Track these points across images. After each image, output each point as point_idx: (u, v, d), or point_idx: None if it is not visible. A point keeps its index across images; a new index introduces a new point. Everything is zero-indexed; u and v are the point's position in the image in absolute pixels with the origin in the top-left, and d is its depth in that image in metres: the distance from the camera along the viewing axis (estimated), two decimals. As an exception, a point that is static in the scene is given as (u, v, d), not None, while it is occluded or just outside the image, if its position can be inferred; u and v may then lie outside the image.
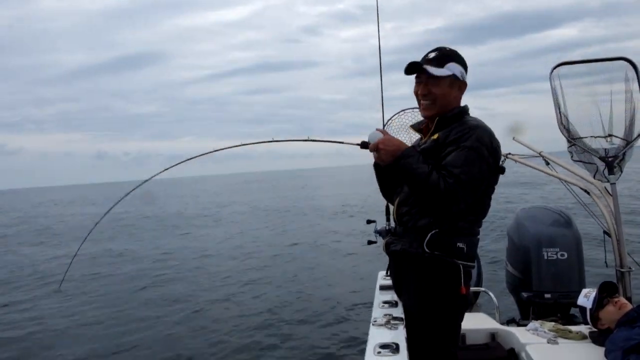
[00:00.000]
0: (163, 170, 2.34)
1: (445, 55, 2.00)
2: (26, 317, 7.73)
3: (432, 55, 2.01)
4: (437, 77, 1.98)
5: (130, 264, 12.08)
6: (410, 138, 3.01)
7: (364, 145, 2.08)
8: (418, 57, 2.04)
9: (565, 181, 3.80)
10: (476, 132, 1.88)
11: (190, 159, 2.35)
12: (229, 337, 6.15)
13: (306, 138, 2.24)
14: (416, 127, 2.22)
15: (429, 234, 1.92)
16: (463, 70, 2.03)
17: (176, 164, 2.34)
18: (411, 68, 2.00)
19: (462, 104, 2.08)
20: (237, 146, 2.27)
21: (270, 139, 2.25)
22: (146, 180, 2.36)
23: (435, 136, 2.00)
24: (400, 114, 2.98)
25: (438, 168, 1.86)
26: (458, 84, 2.03)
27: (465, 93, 2.09)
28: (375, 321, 1.95)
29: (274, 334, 6.21)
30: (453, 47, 2.05)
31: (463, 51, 2.07)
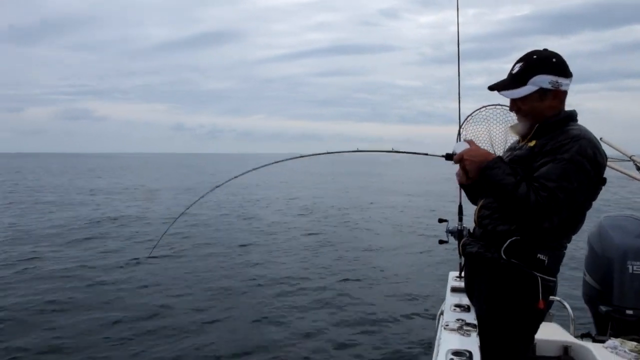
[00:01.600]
0: (252, 170, 2.44)
1: (530, 67, 1.89)
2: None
3: (516, 68, 1.92)
4: (522, 97, 1.90)
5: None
6: (490, 135, 2.89)
7: (448, 157, 2.03)
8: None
9: None
10: (578, 143, 1.76)
11: (278, 162, 2.41)
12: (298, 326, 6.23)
13: (390, 149, 2.24)
14: (517, 128, 2.08)
15: (509, 240, 1.84)
16: (557, 78, 1.88)
17: (266, 165, 2.43)
18: (492, 90, 1.96)
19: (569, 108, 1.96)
20: (321, 154, 2.31)
21: (356, 149, 2.29)
22: (245, 173, 2.44)
23: (532, 143, 1.90)
24: (481, 110, 2.87)
25: (529, 179, 1.77)
26: (552, 93, 1.89)
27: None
28: (447, 325, 1.91)
29: (337, 326, 6.21)
30: (544, 42, 1.92)
31: (550, 42, 1.94)
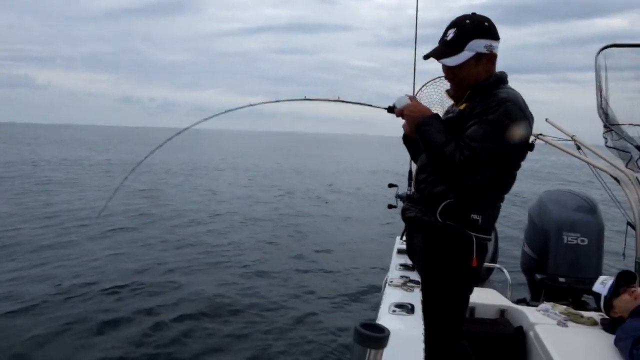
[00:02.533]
0: (202, 120, 2.37)
1: (465, 33, 1.88)
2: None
3: (450, 34, 1.90)
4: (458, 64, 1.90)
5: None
6: (443, 106, 2.96)
7: (390, 109, 2.07)
8: None
9: (595, 167, 3.72)
10: (504, 105, 1.80)
11: (228, 111, 2.37)
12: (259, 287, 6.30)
13: (337, 98, 2.26)
14: (450, 92, 2.13)
15: (443, 204, 1.90)
16: (490, 42, 1.89)
17: (214, 116, 2.38)
18: (427, 58, 1.95)
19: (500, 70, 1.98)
20: (271, 102, 2.31)
21: (303, 97, 2.28)
22: (185, 129, 2.37)
23: (462, 106, 1.95)
24: (430, 82, 2.92)
25: (457, 139, 1.82)
26: (486, 57, 1.91)
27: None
28: (391, 282, 1.97)
29: (288, 286, 6.37)
30: (499, 29, 1.94)
31: (503, 32, 1.96)
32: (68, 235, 8.74)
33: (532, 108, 1.91)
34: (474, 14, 1.93)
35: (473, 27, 1.89)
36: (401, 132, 2.16)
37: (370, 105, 2.22)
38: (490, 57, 1.92)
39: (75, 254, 7.50)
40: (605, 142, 3.48)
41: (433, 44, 1.98)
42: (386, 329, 0.87)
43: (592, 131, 3.58)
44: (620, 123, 3.40)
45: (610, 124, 3.40)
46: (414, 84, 2.74)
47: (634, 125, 3.35)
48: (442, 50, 1.92)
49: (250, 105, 2.33)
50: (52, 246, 7.95)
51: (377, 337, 0.88)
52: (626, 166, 3.40)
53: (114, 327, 4.92)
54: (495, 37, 1.91)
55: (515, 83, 1.99)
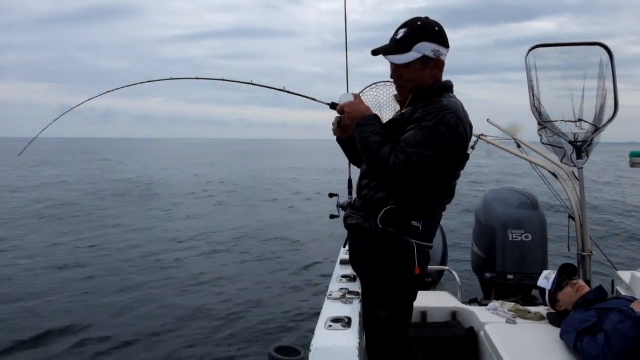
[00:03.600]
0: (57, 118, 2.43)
1: (414, 34, 1.87)
2: None
3: (400, 33, 1.89)
4: (405, 64, 1.89)
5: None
6: (389, 109, 2.94)
7: (333, 105, 2.05)
8: None
9: (535, 164, 3.82)
10: (442, 113, 1.79)
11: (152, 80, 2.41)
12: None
13: (282, 88, 2.25)
14: (397, 97, 2.11)
15: (383, 210, 1.87)
16: (438, 47, 1.89)
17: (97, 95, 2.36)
18: (376, 54, 1.92)
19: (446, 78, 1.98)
20: (217, 79, 2.33)
21: (249, 81, 2.27)
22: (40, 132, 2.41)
23: (404, 110, 1.95)
24: (372, 86, 2.91)
25: (394, 142, 1.80)
26: (433, 62, 1.90)
27: (443, 77, 1.98)
28: (330, 295, 1.92)
29: (230, 303, 6.18)
30: None
31: None
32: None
33: (474, 107, 1.91)
34: (426, 17, 1.94)
35: (423, 29, 1.89)
36: None
37: (314, 99, 2.19)
38: (436, 63, 1.91)
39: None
40: (541, 139, 3.58)
41: (375, 45, 1.96)
42: (301, 350, 0.81)
43: (531, 127, 3.67)
44: (552, 120, 3.50)
45: (543, 121, 3.50)
46: (347, 81, 2.74)
47: (565, 121, 3.46)
48: (390, 48, 1.90)
49: (197, 78, 2.37)
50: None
51: (292, 360, 0.82)
52: (561, 161, 3.51)
53: None
54: (444, 43, 1.91)
55: (457, 83, 2.01)
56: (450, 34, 1.96)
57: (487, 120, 4.36)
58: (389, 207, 1.86)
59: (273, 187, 20.91)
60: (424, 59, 1.89)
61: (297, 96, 2.24)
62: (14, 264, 8.02)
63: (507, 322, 2.65)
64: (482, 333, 2.61)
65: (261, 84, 2.33)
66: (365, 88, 2.89)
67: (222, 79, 2.36)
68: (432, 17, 1.94)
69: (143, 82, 2.41)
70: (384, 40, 1.96)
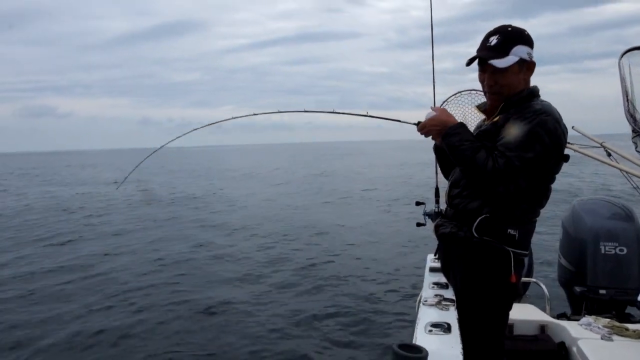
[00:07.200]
0: (177, 137, 2.63)
1: (509, 39, 1.90)
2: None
3: (494, 41, 1.91)
4: (504, 68, 1.90)
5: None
6: (474, 119, 2.93)
7: (419, 124, 2.05)
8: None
9: (628, 173, 3.61)
10: (540, 117, 1.80)
11: (213, 123, 2.64)
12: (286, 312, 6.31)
13: (365, 113, 2.27)
14: (481, 107, 2.13)
15: (479, 219, 1.88)
16: (530, 50, 1.93)
17: (194, 130, 2.57)
18: (474, 61, 1.94)
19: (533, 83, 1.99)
20: (298, 112, 2.40)
21: (331, 110, 2.30)
22: (161, 147, 2.62)
23: (497, 119, 1.95)
24: (457, 95, 2.91)
25: (489, 148, 1.81)
26: (526, 65, 1.93)
27: None
28: (425, 301, 1.94)
29: (321, 310, 6.27)
30: (508, 22, 1.95)
31: (513, 24, 1.95)
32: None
33: (550, 99, 1.93)
34: (510, 24, 1.97)
35: (515, 33, 1.93)
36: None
37: (399, 121, 2.22)
38: (530, 66, 1.95)
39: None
40: (636, 147, 3.38)
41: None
42: (424, 349, 0.86)
43: (619, 118, 3.47)
44: (650, 126, 3.30)
45: (639, 128, 3.30)
46: (434, 87, 2.73)
47: (665, 127, 3.25)
48: (490, 54, 1.92)
49: (255, 114, 2.48)
50: None
51: (415, 357, 0.86)
52: (660, 170, 3.29)
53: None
54: (533, 46, 1.95)
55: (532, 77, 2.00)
56: (522, 24, 1.96)
57: (573, 127, 4.17)
58: (484, 215, 1.87)
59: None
60: (521, 62, 1.91)
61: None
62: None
63: (602, 338, 2.53)
64: (574, 349, 2.51)
65: (344, 111, 2.33)
66: (450, 97, 2.89)
67: (305, 111, 2.39)
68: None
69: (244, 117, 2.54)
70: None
